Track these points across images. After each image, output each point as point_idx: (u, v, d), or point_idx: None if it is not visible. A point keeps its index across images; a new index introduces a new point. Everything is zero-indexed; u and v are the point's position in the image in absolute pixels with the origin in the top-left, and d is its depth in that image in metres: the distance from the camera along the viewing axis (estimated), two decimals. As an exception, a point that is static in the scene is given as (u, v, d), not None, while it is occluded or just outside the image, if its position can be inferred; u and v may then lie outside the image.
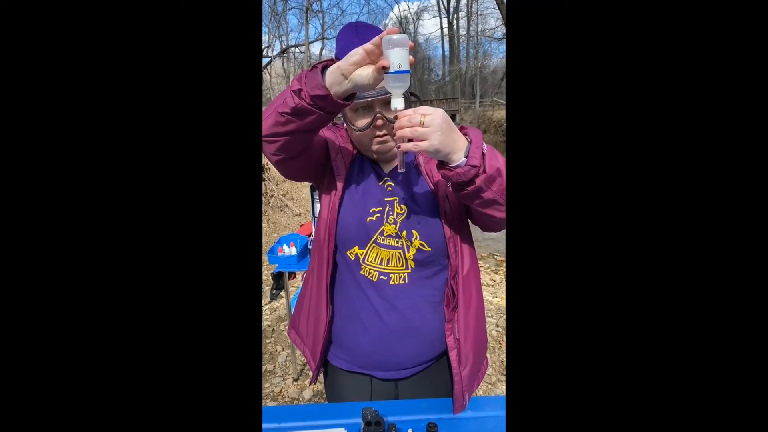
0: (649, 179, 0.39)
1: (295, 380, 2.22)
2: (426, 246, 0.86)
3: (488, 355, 2.33)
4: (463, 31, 29.44)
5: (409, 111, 0.68)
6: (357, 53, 0.66)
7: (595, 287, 0.41)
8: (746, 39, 0.37)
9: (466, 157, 0.69)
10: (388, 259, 0.87)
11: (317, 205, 2.31)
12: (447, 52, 31.54)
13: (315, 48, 21.61)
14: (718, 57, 0.38)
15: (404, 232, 0.86)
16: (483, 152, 0.70)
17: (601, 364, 0.40)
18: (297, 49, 18.37)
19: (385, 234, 0.87)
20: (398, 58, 0.64)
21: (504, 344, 2.41)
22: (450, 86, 30.53)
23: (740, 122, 0.37)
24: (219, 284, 0.43)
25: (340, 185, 0.88)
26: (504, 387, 2.06)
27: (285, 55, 18.41)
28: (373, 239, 0.87)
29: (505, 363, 2.24)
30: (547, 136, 0.43)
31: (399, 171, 0.78)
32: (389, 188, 0.90)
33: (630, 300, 0.40)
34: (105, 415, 0.39)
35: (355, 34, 0.79)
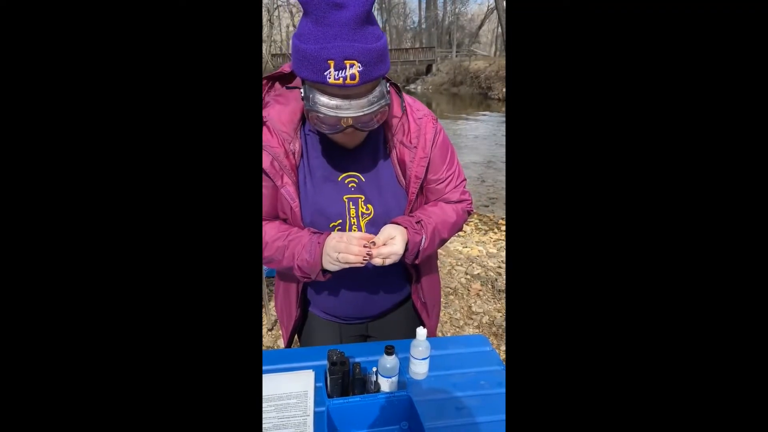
0: (648, 167, 0.39)
1: (270, 330, 2.27)
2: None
3: (456, 301, 2.47)
4: (440, -26, 27.97)
5: (384, 250, 0.77)
6: (349, 260, 0.75)
7: (592, 274, 0.40)
8: (746, 39, 0.36)
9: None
10: None
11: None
12: (424, -3, 30.08)
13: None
14: (718, 57, 0.37)
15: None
16: (421, 245, 0.84)
17: (598, 351, 0.40)
18: (263, -10, 17.06)
19: None
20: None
21: (471, 291, 2.53)
22: (426, 34, 29.39)
23: (740, 122, 0.37)
24: (218, 260, 0.42)
25: (292, 190, 0.81)
26: (469, 330, 2.20)
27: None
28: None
29: (472, 309, 2.37)
30: (545, 130, 0.41)
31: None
32: (352, 185, 0.84)
33: (625, 288, 0.40)
34: (103, 379, 0.39)
35: (315, 22, 0.64)
